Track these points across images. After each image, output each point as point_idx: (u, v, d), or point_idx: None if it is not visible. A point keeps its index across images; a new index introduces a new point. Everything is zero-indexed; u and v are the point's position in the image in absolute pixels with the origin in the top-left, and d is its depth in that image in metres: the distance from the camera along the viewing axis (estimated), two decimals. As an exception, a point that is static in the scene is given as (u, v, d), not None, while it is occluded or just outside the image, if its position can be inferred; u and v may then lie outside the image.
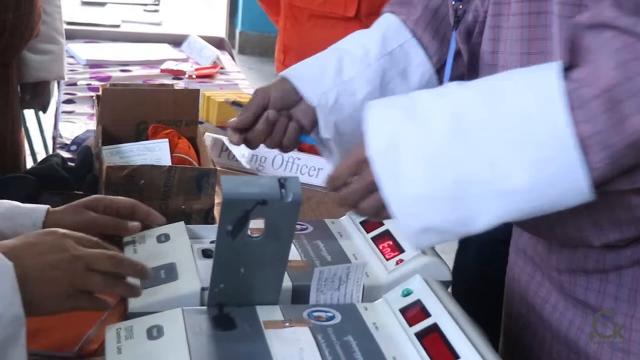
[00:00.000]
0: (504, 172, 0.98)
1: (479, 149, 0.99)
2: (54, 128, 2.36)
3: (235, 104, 1.52)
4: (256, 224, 1.08)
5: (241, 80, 2.95)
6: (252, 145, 1.40)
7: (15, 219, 1.28)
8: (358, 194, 1.11)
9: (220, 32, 5.34)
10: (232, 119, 1.41)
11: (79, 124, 2.26)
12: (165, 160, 1.67)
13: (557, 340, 1.28)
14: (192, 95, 1.84)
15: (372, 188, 1.07)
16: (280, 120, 1.38)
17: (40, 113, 3.29)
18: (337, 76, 1.37)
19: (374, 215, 1.13)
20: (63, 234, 1.07)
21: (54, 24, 2.41)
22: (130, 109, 1.78)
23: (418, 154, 1.02)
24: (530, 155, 0.97)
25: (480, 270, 2.30)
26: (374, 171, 1.05)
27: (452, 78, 1.30)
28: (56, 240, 1.06)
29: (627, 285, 1.17)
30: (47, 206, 1.32)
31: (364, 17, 2.32)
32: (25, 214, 1.30)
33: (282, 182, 1.07)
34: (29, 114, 3.52)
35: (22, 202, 1.34)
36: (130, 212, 1.37)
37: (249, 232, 1.08)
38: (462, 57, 1.32)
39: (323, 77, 1.38)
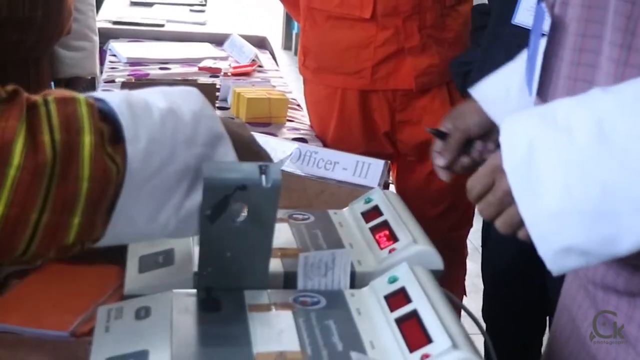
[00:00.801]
0: None
1: (628, 158, 0.90)
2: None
3: (438, 133, 1.50)
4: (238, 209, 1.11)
5: (277, 78, 2.98)
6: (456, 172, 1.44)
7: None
8: (493, 207, 1.05)
9: (277, 33, 5.42)
10: (439, 159, 1.46)
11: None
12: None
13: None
14: (210, 88, 1.87)
15: (507, 201, 1.01)
16: (488, 146, 1.39)
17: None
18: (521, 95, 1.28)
19: (511, 232, 1.05)
20: None
21: (87, 21, 2.47)
22: (149, 102, 1.81)
23: (557, 164, 0.94)
24: None
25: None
26: (508, 182, 0.99)
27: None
28: None
29: None
30: None
31: (380, 18, 2.32)
32: None
33: (262, 168, 1.09)
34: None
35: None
36: None
37: (231, 217, 1.10)
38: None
39: (507, 96, 1.34)
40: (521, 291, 2.19)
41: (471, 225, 2.62)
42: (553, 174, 0.94)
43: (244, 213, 1.11)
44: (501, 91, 1.37)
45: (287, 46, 8.26)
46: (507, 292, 2.25)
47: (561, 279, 1.38)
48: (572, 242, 0.94)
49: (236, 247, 1.14)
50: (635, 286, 1.09)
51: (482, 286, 2.40)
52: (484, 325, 2.16)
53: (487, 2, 2.32)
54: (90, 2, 2.50)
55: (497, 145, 1.20)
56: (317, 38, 2.44)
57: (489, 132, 1.43)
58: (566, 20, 1.12)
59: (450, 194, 2.49)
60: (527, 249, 1.60)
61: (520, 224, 1.00)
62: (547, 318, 2.23)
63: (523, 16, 2.00)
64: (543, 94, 1.18)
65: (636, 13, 0.99)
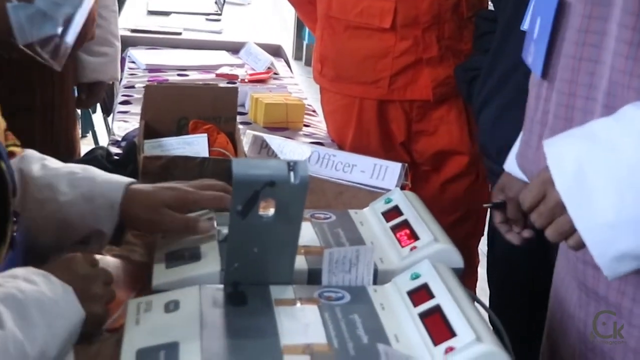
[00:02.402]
0: None
1: None
2: (108, 128, 2.44)
3: (496, 205, 1.58)
4: (267, 205, 1.12)
5: (292, 85, 3.00)
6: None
7: (94, 200, 1.31)
8: (544, 217, 1.12)
9: (287, 43, 5.45)
10: (503, 227, 1.52)
11: (133, 122, 2.33)
12: (204, 153, 1.72)
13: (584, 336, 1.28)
14: (231, 93, 1.88)
15: (559, 211, 1.08)
16: None
17: (106, 117, 3.39)
18: None
19: (562, 240, 1.12)
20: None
21: (110, 27, 2.49)
22: (172, 105, 1.83)
23: (608, 179, 1.02)
24: None
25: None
26: (558, 193, 1.06)
27: None
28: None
29: None
30: (123, 187, 1.33)
31: (400, 28, 2.32)
32: (103, 194, 1.32)
33: (290, 165, 1.10)
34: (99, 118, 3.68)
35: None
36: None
37: (259, 213, 1.11)
38: None
39: None
40: (526, 291, 2.19)
41: (482, 235, 2.63)
42: (605, 188, 1.02)
43: (272, 209, 1.12)
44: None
45: (297, 56, 8.29)
46: (513, 294, 2.25)
47: None
48: (627, 249, 1.03)
49: (263, 243, 1.15)
50: None
51: (487, 289, 2.40)
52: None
53: (491, 8, 2.32)
54: (113, 9, 2.52)
55: None
56: (334, 47, 2.44)
57: None
58: (571, 2, 1.17)
59: (463, 204, 2.51)
60: (532, 253, 1.64)
61: (570, 232, 1.08)
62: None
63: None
64: (548, 74, 1.23)
65: None
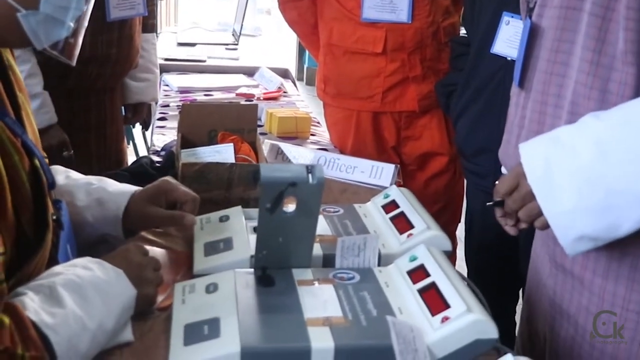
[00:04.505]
0: None
1: (622, 165, 1.00)
2: (148, 140, 2.43)
3: (497, 203, 1.55)
4: (289, 202, 1.11)
5: (299, 101, 2.98)
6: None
7: (105, 205, 1.31)
8: (517, 202, 1.13)
9: (291, 66, 5.45)
10: (503, 221, 1.44)
11: (169, 135, 2.31)
12: (231, 159, 1.70)
13: (553, 303, 1.27)
14: (252, 109, 1.87)
15: (528, 198, 1.10)
16: None
17: (145, 131, 3.37)
18: None
19: (531, 222, 1.13)
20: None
21: (150, 57, 2.47)
22: (204, 120, 1.82)
23: (570, 175, 1.04)
24: None
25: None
26: (529, 184, 1.08)
27: None
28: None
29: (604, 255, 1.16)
30: (130, 194, 1.33)
31: (389, 53, 2.31)
32: (112, 200, 1.32)
33: (309, 169, 1.09)
34: (137, 132, 3.66)
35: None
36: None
37: (283, 209, 1.10)
38: None
39: None
40: (499, 269, 2.18)
41: (459, 221, 2.62)
42: (566, 182, 1.04)
43: (293, 205, 1.11)
44: None
45: (299, 77, 8.28)
46: (487, 269, 2.24)
47: (529, 255, 1.43)
48: (584, 232, 1.04)
49: (286, 234, 1.14)
50: None
51: (465, 268, 2.39)
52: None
53: (463, 33, 2.31)
54: (152, 42, 2.50)
55: None
56: (335, 69, 2.43)
57: None
58: (543, 27, 1.19)
59: (443, 196, 2.50)
60: (503, 237, 1.62)
61: (538, 215, 1.10)
62: (520, 291, 2.23)
63: (500, 46, 2.01)
64: (525, 85, 1.24)
65: (605, 26, 1.07)
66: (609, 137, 1.02)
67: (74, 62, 1.00)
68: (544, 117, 1.17)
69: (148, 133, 3.33)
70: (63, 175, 1.34)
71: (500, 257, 2.15)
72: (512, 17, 1.95)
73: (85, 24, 1.00)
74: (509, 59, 1.95)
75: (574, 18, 1.12)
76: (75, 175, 1.36)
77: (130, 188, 1.35)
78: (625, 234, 1.03)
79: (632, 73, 1.04)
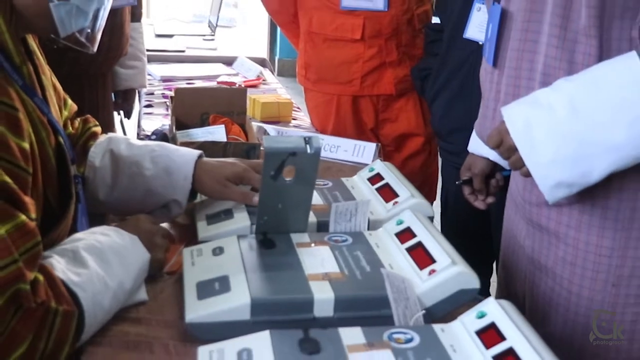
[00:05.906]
0: (609, 133, 1.10)
1: (592, 119, 1.11)
2: (137, 126, 2.49)
3: (465, 182, 1.71)
4: (288, 171, 1.20)
5: (279, 88, 3.07)
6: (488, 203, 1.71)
7: (172, 174, 1.35)
8: (505, 154, 1.25)
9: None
10: (472, 197, 1.70)
11: (156, 121, 2.39)
12: (223, 139, 1.79)
13: (531, 261, 1.37)
14: (241, 93, 1.95)
15: (512, 150, 1.21)
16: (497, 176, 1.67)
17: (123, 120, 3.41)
18: None
19: (516, 170, 1.25)
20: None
21: (138, 45, 2.54)
22: (196, 103, 1.90)
23: (547, 129, 1.15)
24: (626, 116, 1.09)
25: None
26: (512, 139, 1.19)
27: None
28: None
29: (576, 209, 1.27)
30: (194, 161, 1.36)
31: (367, 39, 2.40)
32: (179, 169, 1.35)
33: (306, 139, 1.18)
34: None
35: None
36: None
37: (284, 177, 1.19)
38: None
39: None
40: (473, 243, 2.26)
41: (435, 199, 2.72)
42: (545, 136, 1.15)
43: (292, 174, 1.20)
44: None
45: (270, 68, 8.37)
46: (462, 244, 2.33)
47: (502, 227, 1.54)
48: (561, 179, 1.16)
49: (285, 201, 1.23)
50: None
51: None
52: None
53: (438, 21, 2.40)
54: (140, 31, 2.57)
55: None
56: (316, 56, 2.51)
57: (493, 169, 1.66)
58: (511, 11, 1.30)
59: (420, 175, 2.59)
60: (476, 212, 1.75)
61: (521, 165, 1.21)
62: (494, 263, 2.33)
63: (472, 32, 2.10)
64: (497, 63, 1.34)
65: (569, 5, 1.19)
66: (580, 95, 1.13)
67: (94, 50, 1.08)
68: (518, 90, 1.27)
69: (135, 119, 3.38)
70: (124, 144, 1.38)
71: (475, 232, 2.25)
72: (483, 3, 2.06)
73: (106, 15, 1.08)
74: (480, 43, 2.05)
75: (540, 0, 1.23)
76: (135, 141, 1.40)
77: (193, 154, 1.38)
78: (597, 179, 1.14)
79: (595, 45, 1.16)
